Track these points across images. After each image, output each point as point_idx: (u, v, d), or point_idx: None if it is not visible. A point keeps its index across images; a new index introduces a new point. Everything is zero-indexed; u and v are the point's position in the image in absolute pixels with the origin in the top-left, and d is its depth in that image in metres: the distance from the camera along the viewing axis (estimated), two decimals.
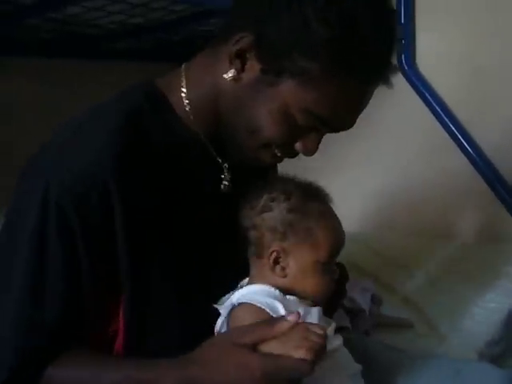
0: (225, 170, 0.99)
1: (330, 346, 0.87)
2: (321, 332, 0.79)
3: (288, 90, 0.86)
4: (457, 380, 0.99)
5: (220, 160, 0.98)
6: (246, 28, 0.87)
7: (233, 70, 0.89)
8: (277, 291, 0.89)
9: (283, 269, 0.91)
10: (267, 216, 0.92)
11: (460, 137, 2.18)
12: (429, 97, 2.22)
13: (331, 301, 0.98)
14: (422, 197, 2.26)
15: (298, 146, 0.92)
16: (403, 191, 2.29)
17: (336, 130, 0.92)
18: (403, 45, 2.24)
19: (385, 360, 1.04)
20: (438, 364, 1.04)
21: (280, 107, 0.87)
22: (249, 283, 0.94)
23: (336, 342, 0.91)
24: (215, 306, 0.92)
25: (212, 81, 0.92)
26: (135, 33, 1.71)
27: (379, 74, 0.90)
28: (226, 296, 0.93)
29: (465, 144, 2.17)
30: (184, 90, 0.94)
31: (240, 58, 0.88)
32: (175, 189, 0.92)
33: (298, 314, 0.82)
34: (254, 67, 0.88)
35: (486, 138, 2.17)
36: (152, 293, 0.90)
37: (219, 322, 0.92)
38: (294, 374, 0.77)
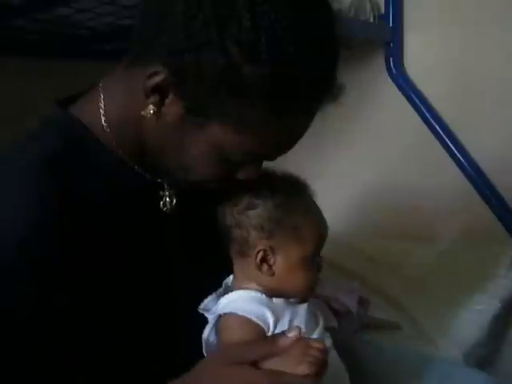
0: (165, 188, 0.92)
1: None
2: (321, 347, 0.78)
3: (219, 133, 0.77)
4: None
5: (153, 177, 0.91)
6: (160, 59, 0.75)
7: (151, 106, 0.78)
8: (263, 296, 0.88)
9: (270, 267, 0.89)
10: (252, 213, 0.89)
11: (447, 139, 2.18)
12: (416, 100, 2.22)
13: None
14: (408, 199, 2.26)
15: (239, 175, 0.86)
16: (389, 193, 2.30)
17: (278, 156, 0.87)
18: (391, 48, 2.24)
19: (374, 363, 1.04)
20: (423, 367, 1.04)
21: (212, 150, 0.79)
22: (233, 283, 0.93)
23: (327, 342, 0.90)
24: (200, 310, 0.91)
25: (131, 114, 0.82)
26: (125, 34, 1.71)
27: (322, 100, 0.81)
28: (209, 298, 0.91)
29: (451, 147, 2.18)
30: (103, 117, 0.85)
31: (158, 92, 0.77)
32: (115, 227, 0.85)
33: (299, 329, 0.80)
34: (176, 103, 0.77)
35: (473, 140, 2.17)
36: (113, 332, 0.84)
37: (207, 329, 0.90)
38: None
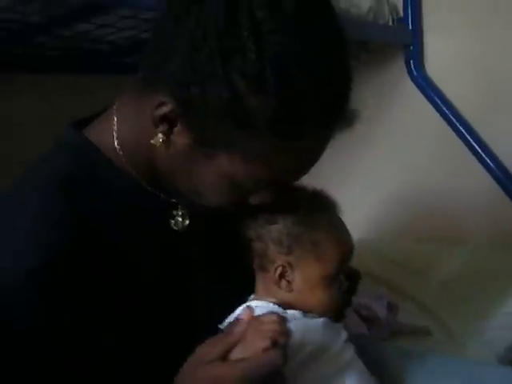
0: (178, 207, 0.91)
1: (341, 361, 0.87)
2: (272, 319, 0.77)
3: (228, 163, 0.76)
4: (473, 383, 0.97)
5: (165, 197, 0.90)
6: (167, 90, 0.75)
7: (160, 135, 0.78)
8: (276, 306, 0.87)
9: (289, 283, 0.88)
10: (272, 228, 0.88)
11: (472, 141, 2.16)
12: (439, 102, 2.20)
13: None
14: (433, 201, 2.25)
15: (252, 200, 0.85)
16: (415, 195, 2.28)
17: (292, 182, 0.86)
18: (411, 50, 2.23)
19: (398, 367, 1.03)
20: (453, 367, 1.02)
21: (223, 179, 0.79)
22: (254, 297, 0.92)
23: (347, 356, 0.89)
24: (220, 326, 0.90)
25: (142, 139, 0.82)
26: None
27: (333, 128, 0.79)
28: (231, 315, 0.91)
29: (477, 148, 2.16)
30: (116, 140, 0.85)
31: (166, 121, 0.77)
32: (129, 250, 0.84)
33: (249, 309, 0.81)
34: (184, 133, 0.77)
35: (498, 141, 2.15)
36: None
37: None
38: (268, 367, 0.75)
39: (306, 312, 0.89)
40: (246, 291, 0.94)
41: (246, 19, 0.69)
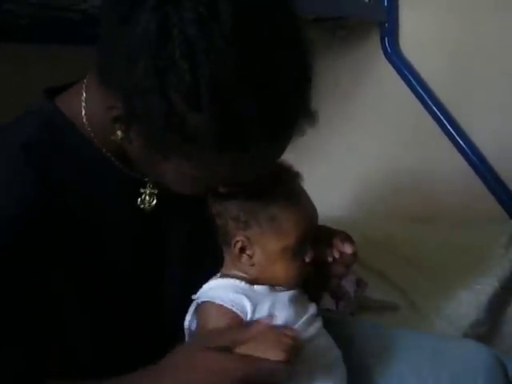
0: (148, 185, 0.91)
1: (305, 334, 0.87)
2: (294, 334, 0.78)
3: (181, 167, 0.77)
4: (435, 358, 0.99)
5: (136, 174, 0.90)
6: (116, 92, 0.74)
7: (119, 132, 0.79)
8: (242, 283, 0.88)
9: (249, 257, 0.89)
10: (229, 204, 0.89)
11: (442, 118, 2.18)
12: (412, 80, 2.21)
13: (316, 283, 0.97)
14: (405, 179, 2.26)
15: (221, 189, 0.86)
16: (386, 173, 2.30)
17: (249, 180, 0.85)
18: (386, 28, 2.23)
19: (366, 341, 1.04)
20: (416, 342, 1.04)
21: (180, 177, 0.80)
22: (221, 271, 0.93)
23: (311, 330, 0.90)
24: (193, 297, 0.90)
25: (107, 125, 0.81)
26: None
27: (283, 137, 0.77)
28: (203, 288, 0.91)
29: (447, 125, 2.18)
30: (84, 116, 0.86)
31: (121, 122, 0.77)
32: (90, 217, 0.85)
33: (271, 317, 0.82)
34: (138, 138, 0.78)
35: (470, 120, 2.17)
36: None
37: (187, 317, 0.90)
38: (272, 376, 0.76)
39: (272, 286, 0.90)
40: (214, 267, 0.94)
41: (177, 37, 0.67)
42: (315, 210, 0.92)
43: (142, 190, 0.91)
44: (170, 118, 0.70)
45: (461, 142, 2.17)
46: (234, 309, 0.85)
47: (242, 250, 0.89)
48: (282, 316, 0.87)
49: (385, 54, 2.25)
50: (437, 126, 2.20)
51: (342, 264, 0.97)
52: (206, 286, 0.90)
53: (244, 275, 0.90)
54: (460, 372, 0.98)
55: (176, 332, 0.90)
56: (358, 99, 2.36)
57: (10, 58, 1.66)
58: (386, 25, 2.23)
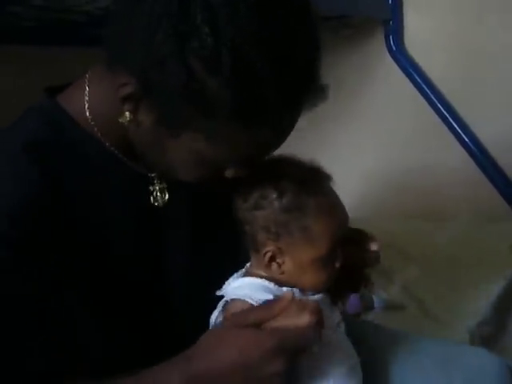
0: (155, 182, 0.90)
1: (329, 338, 0.86)
2: (315, 303, 0.79)
3: (193, 142, 0.76)
4: (447, 365, 0.98)
5: (144, 171, 0.89)
6: (130, 69, 0.74)
7: (127, 113, 0.78)
8: (271, 284, 0.86)
9: (279, 266, 0.87)
10: (259, 214, 0.86)
11: (449, 117, 2.18)
12: (417, 78, 2.21)
13: (347, 285, 0.97)
14: (410, 179, 2.26)
15: (228, 173, 0.84)
16: (391, 173, 2.30)
17: (262, 158, 0.84)
18: (391, 26, 2.23)
19: (374, 343, 1.04)
20: (428, 348, 1.03)
21: (191, 156, 0.79)
22: (247, 269, 0.92)
23: (334, 335, 0.89)
24: (218, 293, 0.89)
25: (113, 114, 0.81)
26: None
27: (299, 108, 0.78)
28: (230, 280, 0.90)
29: (454, 124, 2.17)
30: (87, 110, 0.85)
31: (131, 100, 0.77)
32: (97, 215, 0.84)
33: (292, 292, 0.81)
34: (148, 112, 0.77)
35: (475, 118, 2.17)
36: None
37: (215, 313, 0.89)
38: (305, 341, 0.76)
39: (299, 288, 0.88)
40: (229, 266, 0.93)
41: (200, 3, 0.69)
42: (346, 215, 0.90)
43: (151, 188, 0.90)
44: (189, 86, 0.70)
45: (466, 139, 2.16)
46: None
47: (272, 258, 0.87)
48: None
49: (389, 53, 2.25)
50: (442, 123, 2.20)
51: (368, 263, 0.97)
52: (233, 284, 0.89)
53: (275, 278, 0.88)
54: (472, 379, 0.96)
55: (187, 330, 0.88)
56: (362, 98, 2.36)
57: (14, 59, 1.67)
58: (391, 23, 2.23)
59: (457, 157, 2.19)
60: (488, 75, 2.12)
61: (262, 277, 0.88)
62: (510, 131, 2.11)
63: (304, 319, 0.76)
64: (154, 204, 0.90)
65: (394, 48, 2.24)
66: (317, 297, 0.89)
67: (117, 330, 0.85)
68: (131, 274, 0.87)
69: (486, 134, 2.16)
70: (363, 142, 2.39)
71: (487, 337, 1.46)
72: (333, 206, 0.89)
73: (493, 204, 2.15)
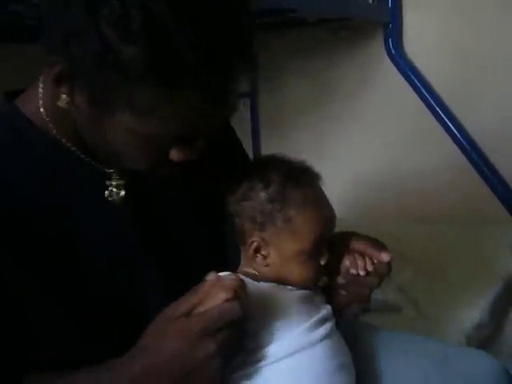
0: (113, 177, 0.89)
1: (315, 335, 0.88)
2: (232, 277, 0.79)
3: (125, 118, 0.74)
4: (446, 367, 0.98)
5: (100, 166, 0.88)
6: (54, 48, 0.73)
7: (63, 96, 0.77)
8: (248, 279, 0.88)
9: (264, 258, 0.89)
10: (246, 205, 0.89)
11: (446, 120, 2.18)
12: (416, 81, 2.22)
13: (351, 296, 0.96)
14: (407, 181, 2.27)
15: (173, 155, 0.82)
16: (390, 176, 2.30)
17: (201, 135, 0.82)
18: (390, 29, 2.24)
19: (371, 344, 1.04)
20: (427, 348, 1.03)
21: (128, 135, 0.77)
22: (238, 269, 0.93)
23: (321, 330, 0.89)
24: None
25: (58, 104, 0.80)
26: None
27: (223, 74, 0.74)
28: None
29: (451, 127, 2.18)
30: (41, 107, 0.84)
31: (65, 82, 0.75)
32: (55, 215, 0.84)
33: (215, 272, 0.81)
34: (81, 92, 0.75)
35: (473, 121, 2.18)
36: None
37: None
38: (228, 316, 0.77)
39: (284, 284, 0.90)
40: (203, 263, 0.92)
41: None
42: (333, 213, 0.92)
43: (107, 183, 0.89)
44: (105, 55, 0.69)
45: (464, 142, 2.17)
46: None
47: (257, 250, 0.89)
48: (286, 313, 0.87)
49: (388, 55, 2.26)
50: (440, 126, 2.21)
51: (377, 274, 0.95)
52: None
53: (256, 273, 0.90)
54: (470, 381, 0.96)
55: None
56: (361, 100, 2.37)
57: (16, 58, 1.67)
58: (390, 26, 2.24)
59: (454, 159, 2.20)
60: (486, 78, 2.13)
61: (246, 274, 0.90)
62: (508, 134, 2.11)
63: (220, 297, 0.77)
64: (109, 199, 0.89)
65: (393, 51, 2.25)
66: (299, 292, 0.90)
67: (81, 330, 0.85)
68: (96, 272, 0.87)
69: (485, 137, 2.16)
70: (361, 143, 2.40)
71: (484, 339, 1.46)
72: (318, 200, 0.91)
73: (490, 206, 2.15)
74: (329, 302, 0.95)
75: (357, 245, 0.96)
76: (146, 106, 0.73)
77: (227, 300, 0.76)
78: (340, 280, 0.95)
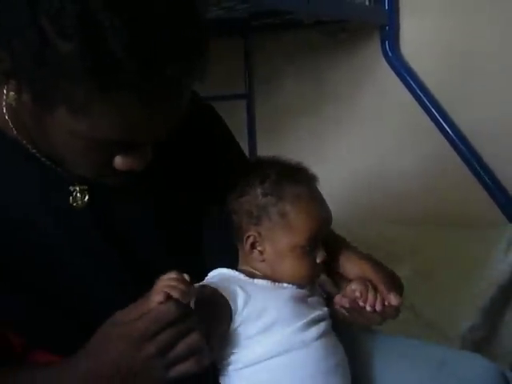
0: (75, 183, 0.88)
1: (307, 334, 0.88)
2: (168, 276, 0.79)
3: (63, 118, 0.72)
4: (442, 371, 0.97)
5: (63, 173, 0.86)
6: (1, 43, 0.72)
7: (11, 93, 0.77)
8: (241, 275, 0.90)
9: (260, 253, 0.91)
10: (243, 200, 0.92)
11: (443, 122, 2.19)
12: (412, 83, 2.22)
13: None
14: (402, 183, 2.27)
15: (117, 164, 0.80)
16: (386, 178, 2.31)
17: (149, 142, 0.80)
18: (387, 31, 2.24)
19: (368, 347, 1.04)
20: (423, 352, 1.03)
21: (68, 136, 0.75)
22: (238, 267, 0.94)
23: (313, 331, 0.89)
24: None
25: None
26: None
27: (158, 79, 0.71)
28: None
29: (447, 129, 2.18)
30: (4, 107, 0.84)
31: (12, 78, 0.75)
32: (25, 226, 0.85)
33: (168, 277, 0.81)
34: (26, 89, 0.74)
35: (469, 123, 2.18)
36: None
37: None
38: (164, 318, 0.77)
39: (280, 282, 0.91)
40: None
41: None
42: (328, 211, 0.94)
43: (71, 188, 0.88)
44: (43, 50, 0.68)
45: (460, 145, 2.17)
46: (226, 296, 0.86)
47: (253, 245, 0.91)
48: (279, 311, 0.88)
49: (385, 58, 2.26)
50: (436, 129, 2.21)
51: (383, 315, 0.92)
52: (210, 274, 0.92)
53: (255, 271, 0.92)
54: None
55: None
56: (358, 102, 2.37)
57: None
58: (387, 28, 2.24)
59: (450, 162, 2.20)
60: (484, 81, 2.14)
61: (243, 272, 0.91)
62: (506, 138, 2.12)
63: (154, 300, 0.77)
64: (73, 205, 0.88)
65: (390, 53, 2.25)
66: (293, 290, 0.91)
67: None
68: (58, 277, 0.87)
69: (481, 139, 2.17)
70: (356, 145, 2.40)
71: (479, 341, 1.47)
72: (313, 198, 0.93)
73: (485, 208, 2.16)
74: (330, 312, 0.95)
75: (371, 274, 0.94)
76: (82, 104, 0.70)
77: (161, 302, 0.77)
78: (343, 302, 0.91)
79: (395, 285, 0.95)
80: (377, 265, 0.96)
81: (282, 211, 0.90)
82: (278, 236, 0.90)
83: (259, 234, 0.91)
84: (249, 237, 0.91)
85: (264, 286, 0.90)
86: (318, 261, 0.91)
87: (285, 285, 0.91)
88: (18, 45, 0.69)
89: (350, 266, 0.97)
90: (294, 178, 0.92)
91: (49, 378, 0.82)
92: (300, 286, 0.92)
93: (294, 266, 0.91)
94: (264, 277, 0.91)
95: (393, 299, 0.91)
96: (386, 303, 0.91)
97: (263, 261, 0.91)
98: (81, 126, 0.73)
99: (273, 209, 0.90)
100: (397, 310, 0.92)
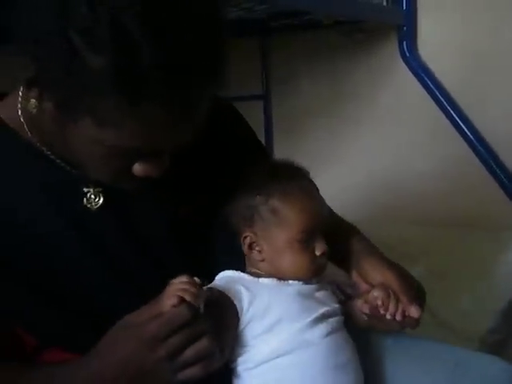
0: (90, 184, 0.89)
1: (316, 330, 0.88)
2: (180, 279, 0.80)
3: (88, 127, 0.73)
4: (456, 372, 0.97)
5: (76, 172, 0.87)
6: (26, 50, 0.73)
7: (32, 101, 0.79)
8: (246, 275, 0.92)
9: (259, 253, 0.92)
10: (236, 204, 0.94)
11: (461, 123, 2.18)
12: (430, 84, 2.21)
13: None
14: (420, 183, 2.26)
15: (136, 170, 0.81)
16: (404, 179, 2.30)
17: (163, 150, 0.81)
18: (404, 31, 2.24)
19: (382, 347, 1.03)
20: (438, 353, 1.03)
21: (91, 145, 0.76)
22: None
23: (321, 327, 0.89)
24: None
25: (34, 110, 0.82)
26: None
27: (186, 92, 0.73)
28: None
29: (465, 130, 2.17)
30: (19, 110, 0.85)
31: (34, 86, 0.77)
32: (29, 222, 0.85)
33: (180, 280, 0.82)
34: (49, 97, 0.75)
35: (487, 124, 2.17)
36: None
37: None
38: (177, 321, 0.78)
39: (284, 279, 0.91)
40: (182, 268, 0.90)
41: None
42: (321, 204, 0.95)
43: (85, 190, 0.89)
44: (71, 61, 0.68)
45: (478, 145, 2.16)
46: (231, 298, 0.87)
47: (251, 245, 0.93)
48: (281, 308, 0.88)
49: (403, 58, 2.26)
50: (454, 129, 2.20)
51: (401, 323, 0.92)
52: (217, 277, 0.93)
53: (260, 272, 0.93)
54: None
55: None
56: (375, 102, 2.36)
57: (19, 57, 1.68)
58: (404, 28, 2.24)
59: (469, 163, 2.19)
60: (501, 81, 2.12)
61: (249, 274, 0.93)
62: None
63: (167, 303, 0.78)
64: (87, 207, 0.89)
65: (407, 53, 2.24)
66: (299, 287, 0.91)
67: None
68: (70, 278, 0.88)
69: (499, 139, 2.16)
70: (374, 145, 2.40)
71: (496, 344, 1.46)
72: (301, 191, 0.94)
73: (504, 210, 2.14)
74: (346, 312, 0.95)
75: (395, 284, 0.93)
76: (109, 117, 0.71)
77: (174, 306, 0.78)
78: (364, 308, 0.92)
79: (418, 296, 0.95)
80: (401, 276, 0.96)
81: (273, 208, 0.91)
82: (273, 233, 0.91)
83: (255, 234, 0.92)
84: (245, 238, 0.93)
85: (269, 284, 0.91)
86: (317, 253, 0.92)
87: (290, 282, 0.92)
88: (44, 53, 0.70)
89: (375, 273, 0.96)
90: (281, 175, 0.94)
91: (62, 376, 0.83)
92: (306, 282, 0.92)
93: (293, 261, 0.91)
94: (269, 276, 0.92)
95: (413, 311, 0.91)
96: (407, 314, 0.91)
97: (263, 260, 0.93)
98: (105, 135, 0.74)
99: (263, 207, 0.92)
100: (417, 321, 0.92)
